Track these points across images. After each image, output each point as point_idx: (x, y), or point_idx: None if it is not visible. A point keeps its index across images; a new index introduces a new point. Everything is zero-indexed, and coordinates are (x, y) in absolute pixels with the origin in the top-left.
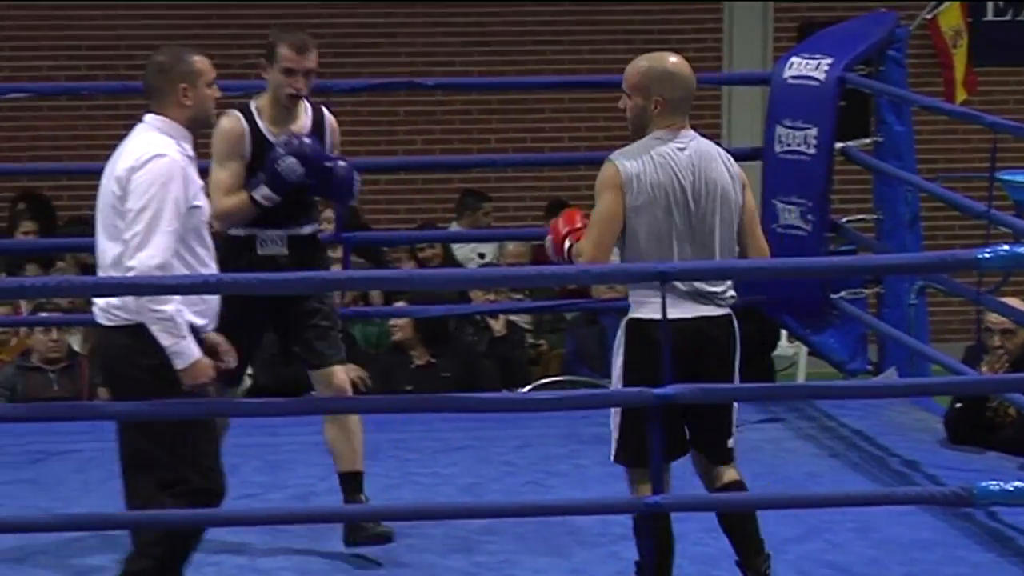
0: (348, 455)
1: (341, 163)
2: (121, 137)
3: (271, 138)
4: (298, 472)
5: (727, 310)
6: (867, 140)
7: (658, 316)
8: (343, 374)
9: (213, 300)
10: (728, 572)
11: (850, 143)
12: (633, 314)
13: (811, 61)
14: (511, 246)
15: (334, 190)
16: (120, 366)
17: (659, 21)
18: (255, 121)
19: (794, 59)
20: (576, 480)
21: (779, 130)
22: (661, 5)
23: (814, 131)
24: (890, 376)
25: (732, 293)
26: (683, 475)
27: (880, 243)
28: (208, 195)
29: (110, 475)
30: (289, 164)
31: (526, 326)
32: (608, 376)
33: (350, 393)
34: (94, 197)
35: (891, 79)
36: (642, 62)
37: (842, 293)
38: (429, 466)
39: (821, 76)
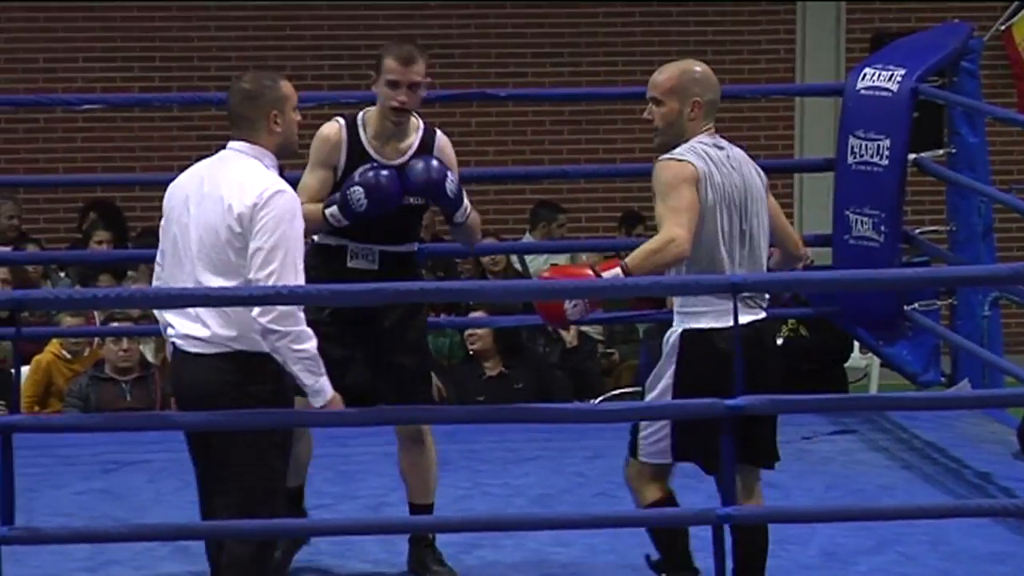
0: (419, 488)
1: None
2: (194, 148)
3: (371, 151)
4: (370, 482)
5: (767, 313)
6: (940, 151)
7: (719, 325)
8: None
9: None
10: None
11: (923, 154)
12: (689, 324)
13: (884, 72)
14: (584, 257)
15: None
16: (228, 396)
17: (731, 32)
18: (358, 132)
19: (867, 70)
20: None
21: (852, 141)
22: (734, 16)
23: (887, 142)
24: (963, 388)
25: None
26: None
27: (953, 254)
28: None
29: (182, 485)
30: (355, 195)
31: (598, 337)
32: None
33: (429, 442)
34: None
35: (965, 90)
36: (672, 68)
37: (915, 305)
38: (500, 477)
39: (894, 87)
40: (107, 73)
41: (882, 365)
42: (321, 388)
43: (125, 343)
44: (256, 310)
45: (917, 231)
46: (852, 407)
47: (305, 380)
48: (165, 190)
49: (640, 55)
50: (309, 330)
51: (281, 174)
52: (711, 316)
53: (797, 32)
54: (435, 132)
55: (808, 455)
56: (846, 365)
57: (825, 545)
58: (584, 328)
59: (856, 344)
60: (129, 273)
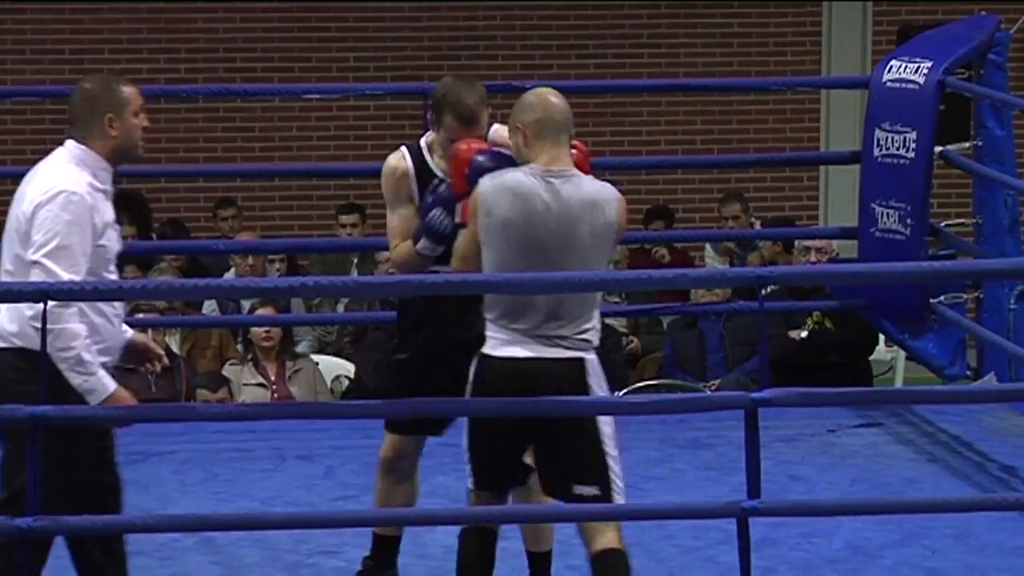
0: (530, 532)
1: None
2: (219, 140)
3: (440, 173)
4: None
5: (578, 354)
6: (967, 144)
7: (496, 353)
8: None
9: (113, 335)
10: None
11: (950, 147)
12: (485, 348)
13: (911, 64)
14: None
15: None
16: (9, 389)
17: (757, 25)
18: (423, 158)
19: (893, 62)
20: (672, 484)
21: (878, 134)
22: (760, 8)
23: (913, 135)
24: (989, 381)
25: (588, 336)
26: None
27: (979, 247)
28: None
29: (209, 476)
30: (436, 217)
31: (622, 329)
32: (705, 379)
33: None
34: (192, 199)
35: (991, 83)
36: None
37: (941, 298)
38: None
39: (921, 80)
40: (133, 64)
41: (907, 358)
42: (92, 388)
43: (150, 334)
44: (26, 306)
45: (943, 224)
46: (877, 400)
47: (72, 380)
48: (190, 181)
49: (666, 47)
50: (76, 327)
51: (119, 176)
52: (495, 343)
53: (823, 24)
54: (492, 125)
55: (833, 448)
56: (871, 358)
57: (850, 538)
58: (608, 320)
59: (881, 337)
60: (158, 265)
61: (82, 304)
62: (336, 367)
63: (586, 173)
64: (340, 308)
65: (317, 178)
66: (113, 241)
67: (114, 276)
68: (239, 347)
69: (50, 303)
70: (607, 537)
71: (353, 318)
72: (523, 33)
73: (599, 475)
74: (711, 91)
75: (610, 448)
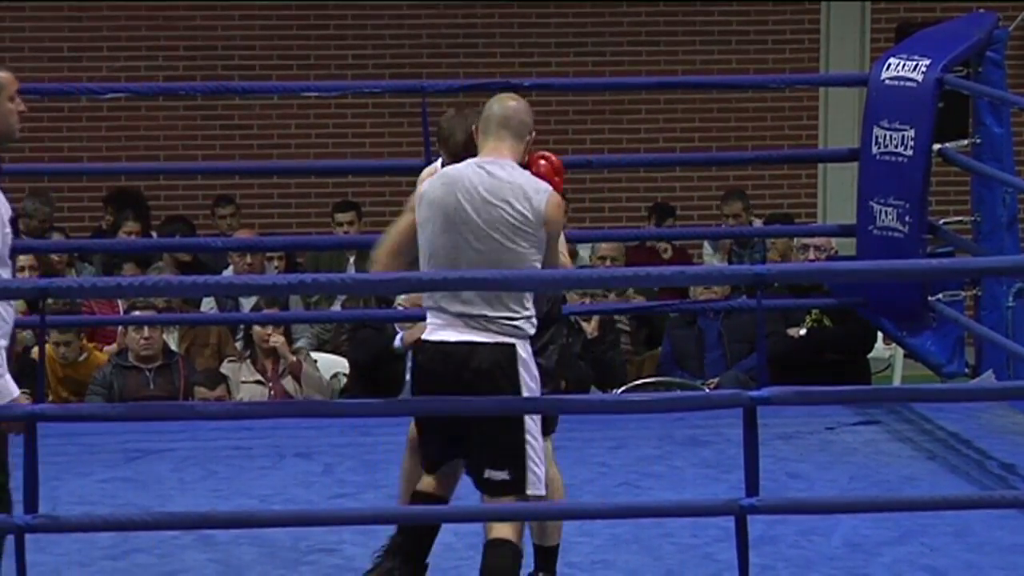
0: (537, 527)
1: None
2: (217, 137)
3: None
4: (393, 472)
5: (505, 339)
6: (965, 142)
7: (429, 337)
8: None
9: (10, 318)
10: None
11: (948, 144)
12: (424, 333)
13: (909, 62)
14: (605, 247)
15: None
16: None
17: (756, 23)
18: None
19: (892, 60)
20: (670, 481)
21: (876, 131)
22: (758, 6)
23: (912, 132)
24: (988, 379)
25: (518, 324)
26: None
27: (978, 245)
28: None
29: (207, 474)
30: None
31: (625, 327)
32: (703, 377)
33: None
34: (191, 197)
35: (990, 80)
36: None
37: (939, 295)
38: None
39: (919, 77)
40: (131, 62)
41: (906, 356)
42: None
43: (147, 331)
44: None
45: (942, 221)
46: (876, 399)
47: None
48: (189, 179)
49: (664, 44)
50: None
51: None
52: (431, 328)
53: (822, 22)
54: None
55: (832, 446)
56: (870, 356)
57: (849, 536)
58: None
59: (880, 335)
60: (156, 264)
61: None
62: (334, 364)
63: (555, 185)
64: (337, 306)
65: (315, 176)
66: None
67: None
68: (237, 344)
69: None
70: (500, 528)
71: (352, 315)
72: (521, 31)
73: (513, 461)
74: (710, 89)
75: (531, 436)
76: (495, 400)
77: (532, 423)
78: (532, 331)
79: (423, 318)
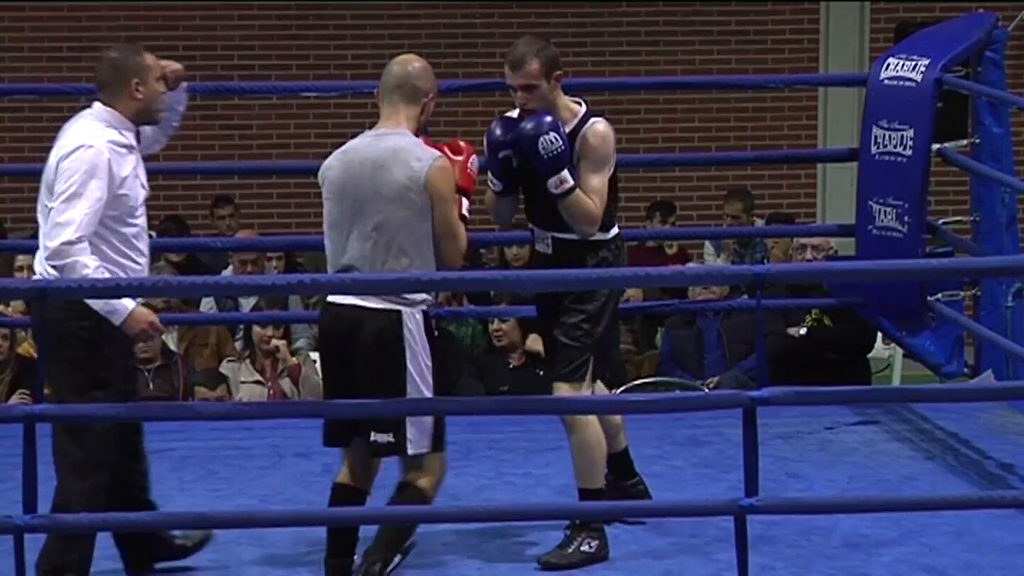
0: (578, 471)
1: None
2: (216, 137)
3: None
4: (392, 472)
5: (395, 307)
6: (964, 141)
7: (329, 299)
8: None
9: (139, 272)
10: (822, 575)
11: (947, 144)
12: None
13: (908, 62)
14: None
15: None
16: (52, 333)
17: (755, 22)
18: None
19: (891, 60)
20: (670, 482)
21: (876, 131)
22: (757, 6)
23: (911, 132)
24: (987, 379)
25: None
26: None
27: (977, 245)
28: None
29: (206, 474)
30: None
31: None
32: (703, 377)
33: (579, 425)
34: (190, 197)
35: (989, 80)
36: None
37: (939, 295)
38: (523, 467)
39: (918, 77)
40: None
41: (905, 356)
42: (112, 309)
43: None
44: (41, 253)
45: (941, 221)
46: (875, 399)
47: (93, 306)
48: (188, 179)
49: (663, 45)
50: (83, 260)
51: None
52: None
53: (821, 22)
54: (589, 120)
55: (831, 446)
56: (869, 355)
57: (848, 536)
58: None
59: (879, 335)
60: (155, 264)
61: (104, 245)
62: None
63: (452, 159)
64: None
65: (315, 176)
66: (135, 191)
67: (141, 221)
68: (237, 344)
69: (58, 241)
70: (413, 474)
71: None
72: (520, 31)
73: (396, 424)
74: (709, 88)
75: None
76: (495, 401)
77: (411, 383)
78: (425, 299)
79: None
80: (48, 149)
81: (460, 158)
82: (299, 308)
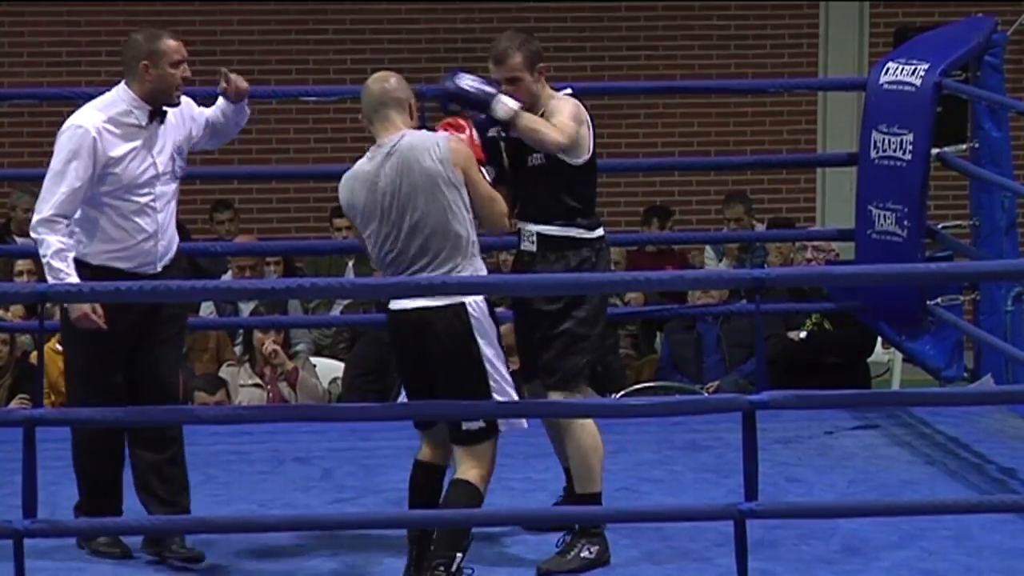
0: (574, 476)
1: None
2: None
3: None
4: (392, 476)
5: (453, 300)
6: (963, 146)
7: (394, 307)
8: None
9: (139, 245)
10: None
11: (946, 149)
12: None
13: (907, 66)
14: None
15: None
16: None
17: (754, 27)
18: None
19: (890, 64)
20: (669, 486)
21: (875, 136)
22: (757, 11)
23: (910, 137)
24: (986, 383)
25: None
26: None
27: (977, 249)
28: None
29: (205, 479)
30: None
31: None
32: (702, 381)
33: (573, 428)
34: (189, 202)
35: (988, 84)
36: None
37: (938, 299)
38: (522, 471)
39: (917, 81)
40: None
41: (905, 360)
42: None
43: None
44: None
45: (940, 226)
46: (875, 402)
47: (48, 280)
48: (187, 184)
49: (663, 50)
50: (50, 240)
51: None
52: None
53: (820, 26)
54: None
55: (830, 450)
56: (869, 359)
57: (848, 540)
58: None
59: (879, 339)
60: None
61: (102, 218)
62: (333, 369)
63: (469, 141)
64: (336, 310)
65: (314, 180)
66: (135, 169)
67: (144, 199)
68: (236, 349)
69: (36, 217)
70: (465, 469)
71: (350, 320)
72: None
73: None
74: (708, 93)
75: (493, 381)
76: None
77: (491, 368)
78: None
79: None
80: (47, 154)
81: (464, 134)
82: (299, 312)
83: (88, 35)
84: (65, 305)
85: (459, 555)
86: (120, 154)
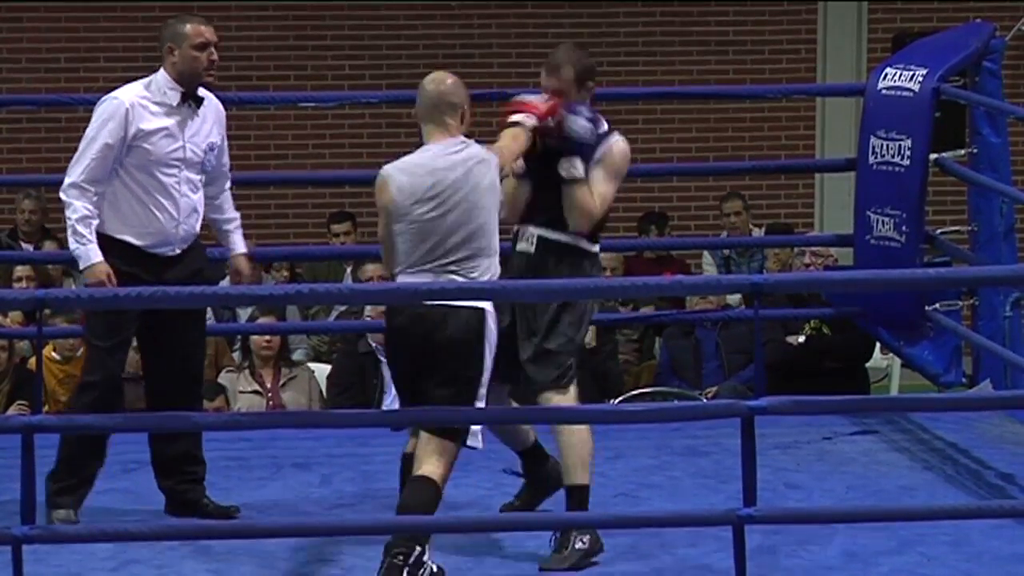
0: (564, 467)
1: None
2: None
3: None
4: (390, 482)
5: (479, 305)
6: (962, 151)
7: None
8: (557, 401)
9: (159, 225)
10: None
11: (945, 154)
12: None
13: (906, 72)
14: (602, 257)
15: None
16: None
17: (753, 32)
18: None
19: (888, 70)
20: (668, 492)
21: (873, 141)
22: (755, 16)
23: (909, 142)
24: (985, 388)
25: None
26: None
27: (975, 255)
28: None
29: (205, 485)
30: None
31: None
32: (701, 387)
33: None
34: None
35: (986, 90)
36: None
37: (937, 305)
38: (522, 477)
39: (916, 87)
40: (128, 73)
41: (903, 365)
42: (79, 255)
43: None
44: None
45: (938, 231)
46: (874, 408)
47: (69, 244)
48: None
49: (661, 55)
50: (76, 204)
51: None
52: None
53: (818, 32)
54: (613, 134)
55: (829, 456)
56: (867, 365)
57: (846, 546)
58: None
59: (877, 344)
60: None
61: (126, 192)
62: None
63: (537, 109)
64: (333, 316)
65: (312, 186)
66: (164, 148)
67: (170, 180)
68: (235, 355)
69: (67, 180)
70: (429, 468)
71: (349, 326)
72: (518, 41)
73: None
74: (706, 99)
75: (482, 389)
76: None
77: (485, 375)
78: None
79: None
80: (46, 160)
81: (538, 111)
82: (297, 319)
83: (86, 41)
84: (82, 271)
85: (418, 548)
86: (151, 128)
